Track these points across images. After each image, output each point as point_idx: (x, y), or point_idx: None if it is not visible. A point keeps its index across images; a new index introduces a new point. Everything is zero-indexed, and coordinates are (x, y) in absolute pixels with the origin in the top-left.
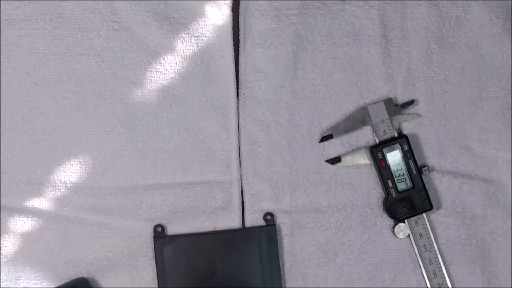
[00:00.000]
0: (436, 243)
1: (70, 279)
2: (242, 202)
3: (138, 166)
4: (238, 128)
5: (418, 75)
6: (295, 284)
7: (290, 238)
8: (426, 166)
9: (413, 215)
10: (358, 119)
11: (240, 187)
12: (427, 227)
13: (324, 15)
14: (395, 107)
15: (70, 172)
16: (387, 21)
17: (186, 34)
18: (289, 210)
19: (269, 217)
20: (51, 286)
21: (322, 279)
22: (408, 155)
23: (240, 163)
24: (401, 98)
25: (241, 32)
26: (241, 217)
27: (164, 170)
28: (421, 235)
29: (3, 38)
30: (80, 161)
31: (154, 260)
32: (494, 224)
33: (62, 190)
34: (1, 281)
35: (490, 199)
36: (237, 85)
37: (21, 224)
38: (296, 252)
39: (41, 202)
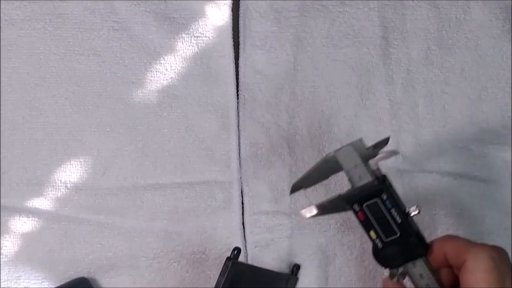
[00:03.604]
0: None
1: (70, 279)
2: (242, 203)
3: (138, 166)
4: (238, 130)
5: (417, 76)
6: (295, 285)
7: (289, 240)
8: (415, 205)
9: (407, 262)
10: (327, 168)
11: (240, 188)
12: (425, 267)
13: (324, 17)
14: (368, 149)
15: (70, 172)
16: (387, 23)
17: (186, 34)
18: (288, 211)
19: (295, 268)
20: (52, 286)
21: (322, 280)
22: (389, 204)
23: (240, 165)
24: (401, 99)
25: (241, 34)
26: (241, 218)
27: (164, 170)
28: (421, 275)
29: (3, 38)
30: (80, 161)
31: (221, 279)
32: (493, 224)
33: (62, 190)
34: (2, 281)
35: (489, 199)
36: (237, 87)
37: (21, 224)
38: (296, 253)
39: (41, 202)
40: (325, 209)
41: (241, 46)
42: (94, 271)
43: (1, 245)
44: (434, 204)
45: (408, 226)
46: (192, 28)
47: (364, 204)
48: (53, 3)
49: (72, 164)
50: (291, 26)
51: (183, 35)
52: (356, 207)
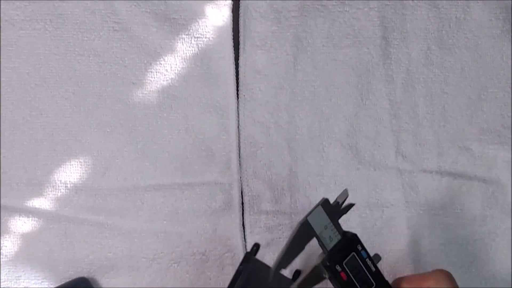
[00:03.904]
0: (435, 243)
1: (70, 279)
2: (242, 204)
3: (138, 166)
4: (238, 130)
5: (417, 76)
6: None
7: None
8: (376, 254)
9: None
10: (303, 236)
11: (240, 189)
12: None
13: (324, 17)
14: (334, 207)
15: (70, 173)
16: (387, 23)
17: (186, 35)
18: (288, 211)
19: (297, 274)
20: (52, 286)
21: None
22: (364, 254)
23: (240, 165)
24: (401, 99)
25: (241, 34)
26: (241, 219)
27: (164, 171)
28: None
29: (3, 38)
30: (80, 162)
31: (238, 275)
32: (493, 224)
33: (62, 190)
34: (2, 281)
35: (489, 199)
36: (237, 87)
37: (21, 224)
38: None
39: (41, 202)
40: (308, 284)
41: (241, 46)
42: (94, 271)
43: (1, 245)
44: (434, 204)
45: (379, 273)
46: (192, 29)
47: (344, 262)
48: (53, 4)
49: (72, 164)
50: (291, 26)
51: (183, 36)
52: (338, 267)
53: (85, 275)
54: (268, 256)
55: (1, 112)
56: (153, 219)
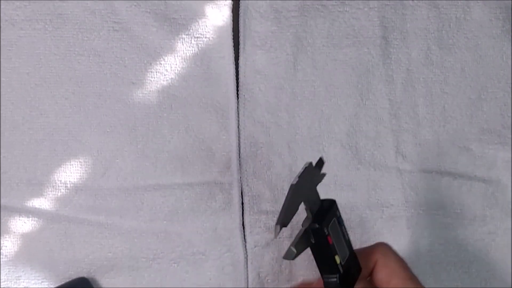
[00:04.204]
0: (435, 243)
1: (70, 279)
2: (242, 204)
3: (138, 166)
4: (238, 130)
5: (417, 76)
6: (295, 286)
7: (289, 240)
8: None
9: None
10: (297, 198)
11: (240, 189)
12: None
13: (324, 17)
14: (315, 173)
15: (70, 173)
16: (387, 23)
17: (186, 35)
18: None
19: None
20: (52, 286)
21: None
22: (341, 221)
23: (240, 165)
24: (401, 99)
25: (241, 34)
26: (241, 219)
27: (164, 171)
28: None
29: (3, 38)
30: (80, 162)
31: None
32: (493, 224)
33: (62, 190)
34: (2, 281)
35: (489, 199)
36: (237, 87)
37: (21, 224)
38: None
39: (41, 202)
40: (302, 246)
41: (241, 46)
42: (94, 271)
43: (1, 245)
44: (434, 204)
45: (350, 243)
46: (192, 29)
47: (329, 226)
48: (53, 3)
49: (72, 164)
50: (291, 26)
51: (183, 35)
52: (326, 231)
53: (85, 275)
54: (268, 256)
55: (1, 112)
56: (153, 219)
